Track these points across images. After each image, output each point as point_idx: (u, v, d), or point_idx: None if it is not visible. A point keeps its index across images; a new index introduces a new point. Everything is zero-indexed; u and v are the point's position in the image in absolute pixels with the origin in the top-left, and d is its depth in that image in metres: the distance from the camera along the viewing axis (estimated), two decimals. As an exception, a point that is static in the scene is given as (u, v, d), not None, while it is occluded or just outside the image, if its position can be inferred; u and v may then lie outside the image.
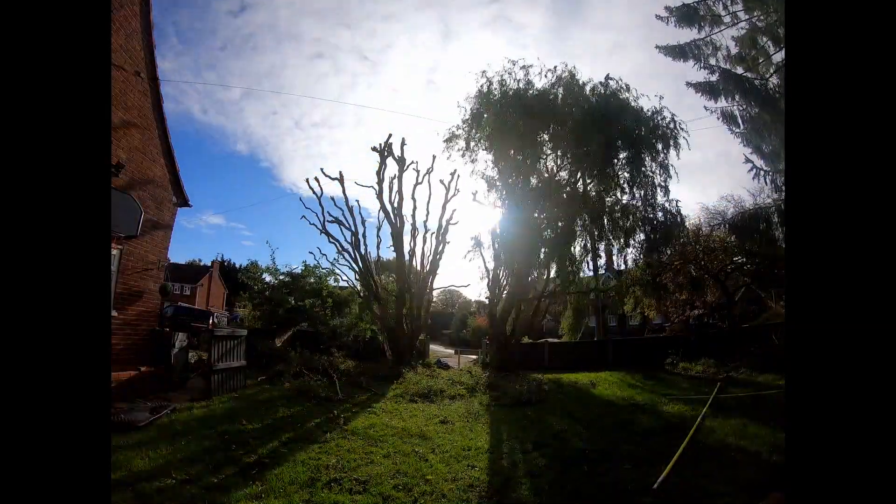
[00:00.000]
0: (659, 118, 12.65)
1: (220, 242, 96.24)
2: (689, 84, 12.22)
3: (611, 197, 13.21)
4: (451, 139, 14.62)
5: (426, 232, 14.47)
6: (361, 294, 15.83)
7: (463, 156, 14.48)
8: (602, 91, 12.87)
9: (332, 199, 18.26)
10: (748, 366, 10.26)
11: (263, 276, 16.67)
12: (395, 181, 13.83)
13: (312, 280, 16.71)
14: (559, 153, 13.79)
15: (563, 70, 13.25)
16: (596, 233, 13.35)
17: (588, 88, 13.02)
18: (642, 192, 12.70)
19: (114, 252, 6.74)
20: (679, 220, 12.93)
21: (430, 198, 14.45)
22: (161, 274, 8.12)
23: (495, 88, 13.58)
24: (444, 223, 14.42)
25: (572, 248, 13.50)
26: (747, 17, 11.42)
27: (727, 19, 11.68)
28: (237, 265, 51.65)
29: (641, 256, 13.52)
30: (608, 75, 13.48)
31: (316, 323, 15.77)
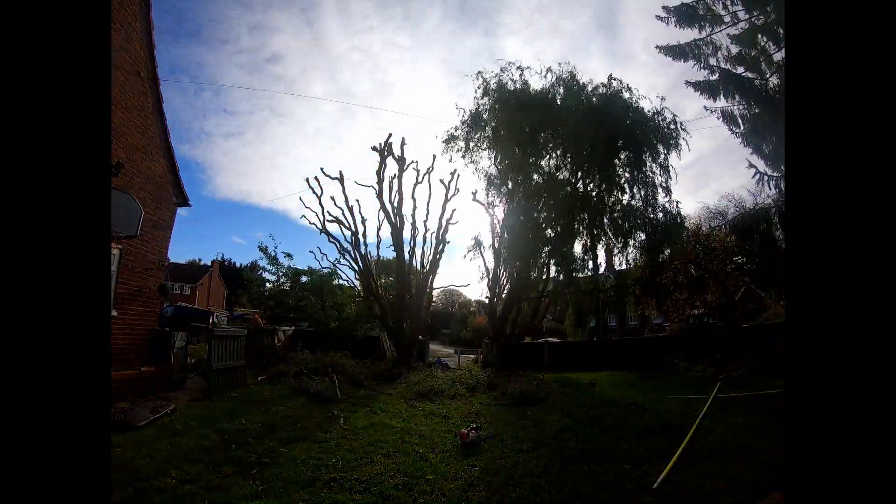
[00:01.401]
0: (659, 119, 12.65)
1: (221, 242, 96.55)
2: (688, 83, 12.23)
3: (611, 197, 13.23)
4: (449, 140, 14.64)
5: (426, 231, 14.50)
6: (361, 294, 15.85)
7: (463, 157, 14.51)
8: (603, 91, 12.87)
9: (333, 198, 18.33)
10: (748, 366, 10.25)
11: (264, 275, 16.73)
12: (395, 181, 13.85)
13: (313, 279, 16.73)
14: (560, 153, 13.80)
15: (563, 70, 13.27)
16: (596, 232, 13.37)
17: (589, 88, 13.02)
18: (642, 193, 12.72)
19: (114, 252, 6.73)
20: (679, 220, 12.94)
21: (430, 197, 14.49)
22: (161, 274, 8.11)
23: (493, 90, 13.59)
24: (443, 223, 14.44)
25: (573, 248, 13.52)
26: (747, 16, 11.41)
27: (727, 19, 11.68)
28: (237, 265, 51.70)
29: (641, 256, 13.53)
30: (611, 75, 13.49)
31: (316, 322, 15.79)
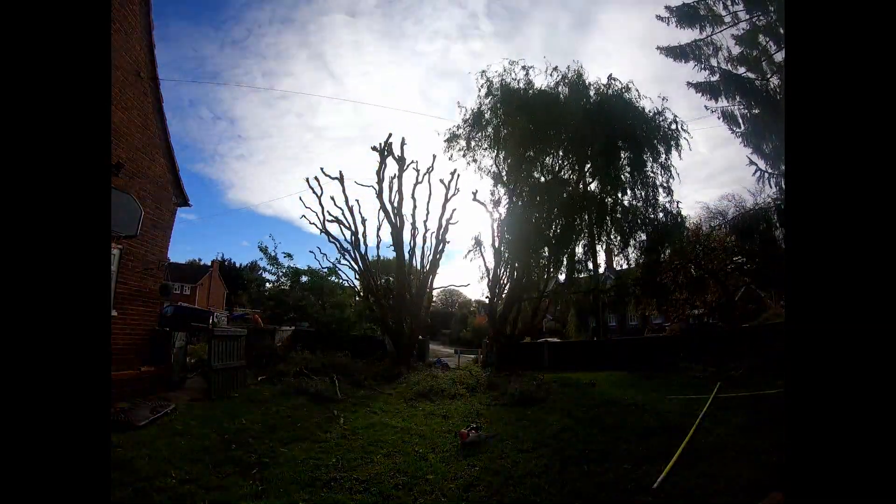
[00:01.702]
0: (661, 119, 12.65)
1: (226, 243, 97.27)
2: (689, 84, 12.22)
3: (612, 197, 13.23)
4: (451, 139, 14.65)
5: (426, 231, 14.50)
6: (361, 294, 15.84)
7: (464, 156, 14.54)
8: (606, 91, 12.85)
9: (333, 198, 18.46)
10: (748, 366, 10.23)
11: (264, 275, 16.78)
12: (395, 181, 13.84)
13: (313, 279, 16.74)
14: (561, 153, 13.81)
15: (570, 70, 13.25)
16: (597, 232, 13.36)
17: (593, 89, 13.01)
18: (643, 193, 12.72)
19: (114, 252, 6.73)
20: (679, 220, 12.94)
21: (430, 197, 14.47)
22: (161, 274, 8.11)
23: (496, 88, 13.59)
24: (443, 223, 14.43)
25: (575, 248, 13.52)
26: (748, 16, 11.40)
27: (728, 19, 11.67)
28: (237, 265, 51.71)
29: (642, 256, 13.53)
30: (611, 75, 13.47)
31: (316, 322, 15.79)
